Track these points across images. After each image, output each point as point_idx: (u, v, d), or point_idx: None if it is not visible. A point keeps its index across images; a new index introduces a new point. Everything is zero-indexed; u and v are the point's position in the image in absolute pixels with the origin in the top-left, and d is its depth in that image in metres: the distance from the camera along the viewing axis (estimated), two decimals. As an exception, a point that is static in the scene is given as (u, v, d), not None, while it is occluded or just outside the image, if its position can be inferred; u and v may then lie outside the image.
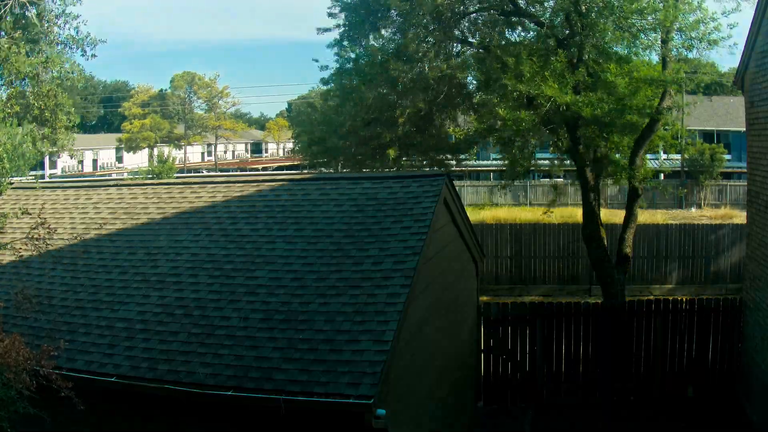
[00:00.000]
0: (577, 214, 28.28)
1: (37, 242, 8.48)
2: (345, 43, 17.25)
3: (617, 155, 17.08)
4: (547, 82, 13.80)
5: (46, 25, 13.47)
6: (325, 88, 19.28)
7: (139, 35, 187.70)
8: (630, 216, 16.64)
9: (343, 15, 17.17)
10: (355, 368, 7.45)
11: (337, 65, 17.99)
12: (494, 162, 41.25)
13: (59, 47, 13.83)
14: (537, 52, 14.92)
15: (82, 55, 14.76)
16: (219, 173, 64.47)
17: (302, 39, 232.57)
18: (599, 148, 16.05)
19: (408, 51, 16.06)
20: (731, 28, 14.68)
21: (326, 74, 18.35)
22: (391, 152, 16.82)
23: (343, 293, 8.61)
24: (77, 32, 14.63)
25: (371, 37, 17.00)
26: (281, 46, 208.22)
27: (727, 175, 48.04)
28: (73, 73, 10.21)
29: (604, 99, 14.08)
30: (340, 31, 17.40)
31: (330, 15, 17.32)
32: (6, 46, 8.65)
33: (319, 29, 17.49)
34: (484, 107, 17.20)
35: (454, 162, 20.54)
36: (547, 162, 20.80)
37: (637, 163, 15.79)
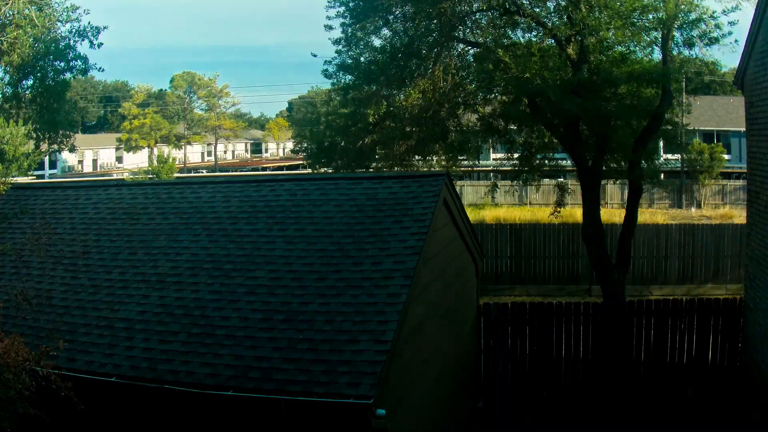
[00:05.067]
0: (577, 214, 28.30)
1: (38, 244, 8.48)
2: (349, 34, 17.17)
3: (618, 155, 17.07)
4: (547, 83, 13.81)
5: (48, 21, 13.48)
6: (328, 85, 19.25)
7: (140, 37, 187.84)
8: (630, 216, 16.62)
9: (342, 9, 17.09)
10: (355, 368, 7.45)
11: (339, 63, 17.90)
12: (494, 162, 41.22)
13: (63, 42, 13.82)
14: (538, 53, 14.92)
15: (90, 46, 14.72)
16: (219, 173, 64.50)
17: (304, 40, 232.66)
18: (600, 148, 16.01)
19: (410, 51, 16.05)
20: (732, 25, 14.67)
21: (330, 68, 18.20)
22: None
23: (343, 293, 8.61)
24: (79, 23, 14.60)
25: (372, 31, 16.90)
26: (282, 48, 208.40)
27: (727, 175, 48.07)
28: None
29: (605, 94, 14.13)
30: (342, 30, 17.34)
31: (329, 19, 17.29)
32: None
33: (326, 26, 17.41)
34: (485, 107, 17.19)
35: (464, 161, 20.37)
36: (546, 163, 20.72)
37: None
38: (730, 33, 14.60)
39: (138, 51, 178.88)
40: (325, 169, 19.21)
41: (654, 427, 13.71)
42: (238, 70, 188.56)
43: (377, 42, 17.06)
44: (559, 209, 18.81)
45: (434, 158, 19.19)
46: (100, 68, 15.05)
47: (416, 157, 18.60)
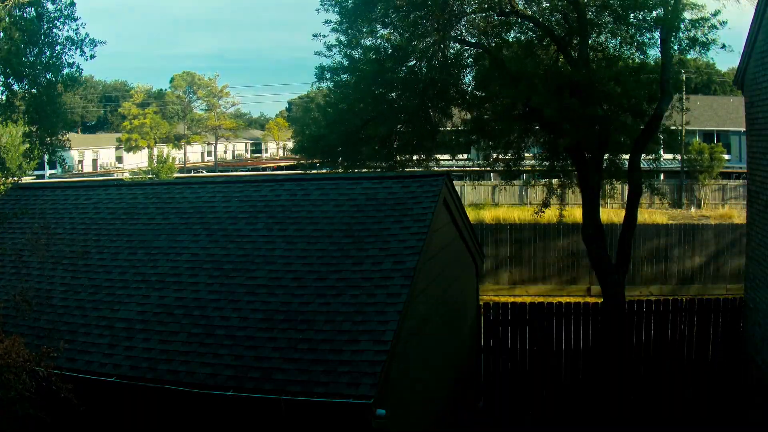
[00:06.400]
0: (577, 214, 28.30)
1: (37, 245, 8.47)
2: (342, 38, 17.14)
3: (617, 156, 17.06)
4: (536, 87, 13.78)
5: (45, 26, 13.54)
6: (322, 85, 19.14)
7: (140, 38, 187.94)
8: (630, 216, 16.61)
9: (336, 10, 17.02)
10: (355, 368, 7.45)
11: (332, 64, 17.86)
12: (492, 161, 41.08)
13: (58, 47, 13.91)
14: (535, 55, 14.92)
15: (81, 55, 14.90)
16: (219, 173, 64.49)
17: (304, 40, 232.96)
18: (599, 149, 16.01)
19: (404, 51, 16.03)
20: (729, 27, 14.68)
21: (322, 72, 18.10)
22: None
23: (343, 293, 8.61)
24: (77, 34, 14.79)
25: (366, 31, 16.85)
26: (282, 48, 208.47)
27: (727, 175, 48.13)
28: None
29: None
30: (335, 32, 17.29)
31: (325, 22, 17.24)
32: None
33: (315, 35, 17.35)
34: (479, 107, 17.16)
35: (451, 161, 20.37)
36: (545, 162, 20.72)
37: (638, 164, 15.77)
38: (728, 34, 14.63)
39: (138, 51, 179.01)
40: (318, 163, 19.13)
41: (654, 426, 13.72)
42: (239, 71, 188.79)
43: (370, 42, 17.04)
44: (543, 209, 18.84)
45: (421, 155, 19.18)
46: (83, 82, 15.30)
47: (398, 157, 18.59)
